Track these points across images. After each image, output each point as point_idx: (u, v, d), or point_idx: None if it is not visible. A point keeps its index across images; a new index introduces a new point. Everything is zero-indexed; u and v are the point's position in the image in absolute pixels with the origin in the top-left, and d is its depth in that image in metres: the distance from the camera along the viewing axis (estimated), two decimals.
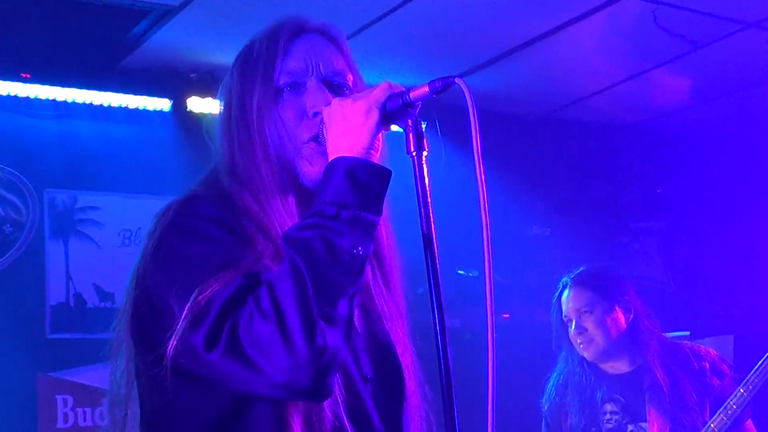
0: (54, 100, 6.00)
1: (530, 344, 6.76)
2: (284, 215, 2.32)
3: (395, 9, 5.54)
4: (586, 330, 4.93)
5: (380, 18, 5.65)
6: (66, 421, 5.94)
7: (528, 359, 6.59)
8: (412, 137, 2.26)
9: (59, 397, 5.93)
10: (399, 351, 2.52)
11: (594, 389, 5.01)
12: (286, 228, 2.23)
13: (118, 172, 6.21)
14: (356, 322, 2.42)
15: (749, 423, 4.69)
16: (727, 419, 4.50)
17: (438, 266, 2.20)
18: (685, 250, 7.73)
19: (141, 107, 6.27)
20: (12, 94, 5.88)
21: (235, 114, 2.41)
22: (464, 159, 6.60)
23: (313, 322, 2.03)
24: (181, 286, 2.12)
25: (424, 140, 2.27)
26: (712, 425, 4.53)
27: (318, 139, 2.35)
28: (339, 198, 2.15)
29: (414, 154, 2.25)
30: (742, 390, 4.49)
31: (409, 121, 2.27)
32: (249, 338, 2.02)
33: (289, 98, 2.40)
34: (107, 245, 6.21)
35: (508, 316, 7.27)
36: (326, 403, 2.21)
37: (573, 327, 5.00)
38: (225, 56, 5.77)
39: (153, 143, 6.29)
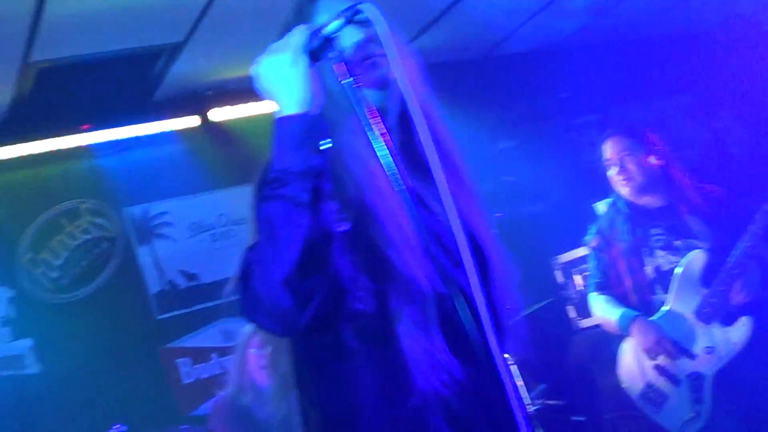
0: (111, 141, 6.88)
1: (523, 228, 7.37)
2: None
3: None
4: (627, 169, 5.29)
5: None
6: (189, 377, 6.80)
7: (523, 238, 7.68)
8: (340, 67, 2.24)
9: (179, 361, 6.81)
10: (475, 231, 2.48)
11: (639, 219, 5.30)
12: None
13: (173, 181, 7.12)
14: (437, 215, 2.40)
15: None
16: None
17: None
18: None
19: (176, 129, 7.15)
20: (79, 144, 6.80)
21: None
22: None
23: (286, 277, 2.09)
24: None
25: (351, 67, 2.25)
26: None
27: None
28: (285, 164, 2.17)
29: (346, 81, 2.24)
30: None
31: (333, 53, 2.25)
32: (251, 296, 2.15)
33: None
34: (181, 238, 7.09)
35: (500, 214, 8.00)
36: (430, 296, 2.27)
37: (615, 168, 5.35)
38: (229, 72, 6.89)
39: (193, 152, 7.21)
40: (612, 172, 5.39)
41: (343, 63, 2.25)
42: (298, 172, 2.15)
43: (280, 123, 2.20)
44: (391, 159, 2.18)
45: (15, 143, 6.68)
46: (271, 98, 2.24)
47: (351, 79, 2.24)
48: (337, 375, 2.32)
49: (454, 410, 2.26)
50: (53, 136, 6.76)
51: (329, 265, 2.15)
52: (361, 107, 2.21)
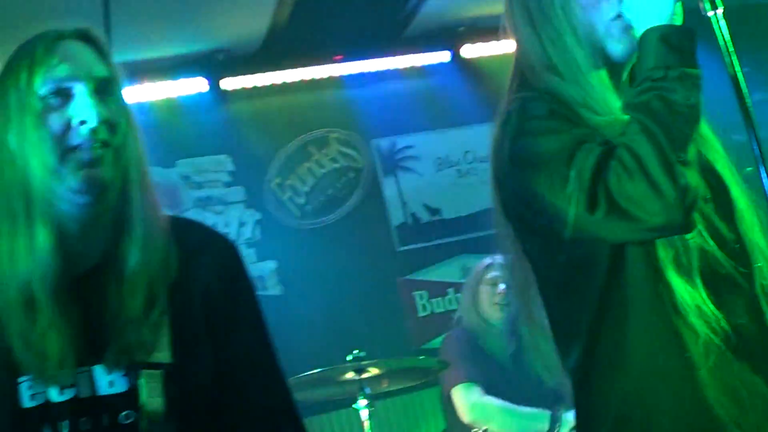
0: (362, 73, 7.04)
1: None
2: (603, 89, 2.36)
3: None
4: None
5: None
6: (424, 310, 6.92)
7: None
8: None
9: (416, 294, 6.92)
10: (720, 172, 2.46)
11: None
12: (607, 100, 2.33)
13: (421, 115, 7.20)
14: None
15: None
16: None
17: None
18: None
19: (427, 63, 7.22)
20: (331, 75, 7.02)
21: (539, 20, 2.44)
22: None
23: (673, 167, 2.08)
24: (547, 176, 2.24)
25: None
26: None
27: (620, 17, 2.33)
28: (662, 62, 2.20)
29: (710, 14, 2.28)
30: None
31: None
32: (622, 195, 2.10)
33: None
34: (426, 173, 7.18)
35: (751, 168, 7.68)
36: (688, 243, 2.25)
37: None
38: (482, 9, 6.89)
39: (442, 87, 7.25)
40: None
41: None
42: (678, 69, 2.18)
43: (656, 28, 2.24)
44: None
45: (270, 71, 6.87)
46: (639, 15, 2.27)
47: (720, 11, 2.28)
48: (615, 312, 2.32)
49: (722, 360, 2.24)
50: (306, 66, 6.92)
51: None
52: (723, 40, 2.26)
